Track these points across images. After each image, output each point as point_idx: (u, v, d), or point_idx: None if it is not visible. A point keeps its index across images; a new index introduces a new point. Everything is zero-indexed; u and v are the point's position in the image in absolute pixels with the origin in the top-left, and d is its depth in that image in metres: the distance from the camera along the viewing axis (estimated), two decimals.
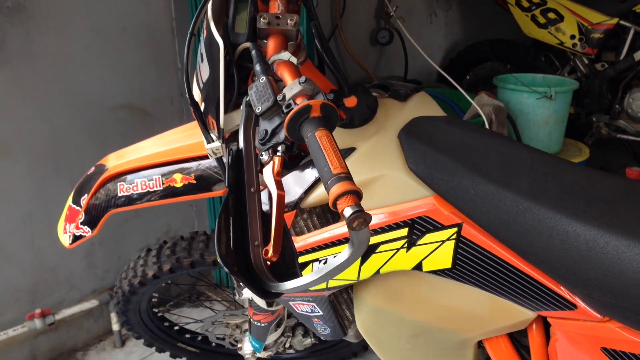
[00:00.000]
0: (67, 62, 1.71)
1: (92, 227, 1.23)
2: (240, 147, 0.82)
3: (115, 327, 1.96)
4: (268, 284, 0.75)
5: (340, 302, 1.19)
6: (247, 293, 1.35)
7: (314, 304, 1.15)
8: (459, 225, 0.89)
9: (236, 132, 0.98)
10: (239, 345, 1.56)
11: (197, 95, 1.04)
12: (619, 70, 2.71)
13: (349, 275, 1.01)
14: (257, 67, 0.81)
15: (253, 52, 0.85)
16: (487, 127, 1.96)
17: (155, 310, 1.63)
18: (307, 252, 1.03)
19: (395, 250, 0.95)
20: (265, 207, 0.80)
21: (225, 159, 0.98)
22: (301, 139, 0.71)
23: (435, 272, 0.94)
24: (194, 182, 1.15)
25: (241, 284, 1.36)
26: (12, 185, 1.68)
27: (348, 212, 0.60)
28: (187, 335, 1.70)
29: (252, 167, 0.82)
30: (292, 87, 0.73)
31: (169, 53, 1.94)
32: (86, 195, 1.23)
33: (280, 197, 0.72)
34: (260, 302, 1.32)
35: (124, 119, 1.88)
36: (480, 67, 3.15)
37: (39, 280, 1.81)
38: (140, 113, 1.92)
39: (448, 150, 0.92)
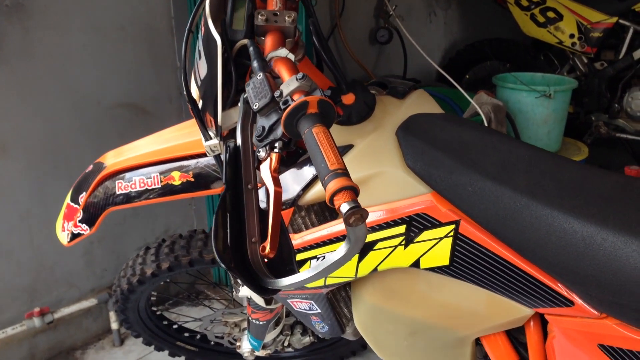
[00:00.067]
0: (66, 61, 1.71)
1: (91, 225, 1.23)
2: (237, 144, 0.83)
3: (114, 325, 1.96)
4: (265, 280, 0.75)
5: (338, 299, 1.19)
6: (244, 291, 1.35)
7: (312, 302, 1.15)
8: (457, 223, 0.89)
9: (234, 130, 0.98)
10: (238, 344, 1.56)
11: (194, 92, 1.04)
12: (618, 69, 2.70)
13: (346, 273, 1.01)
14: (255, 64, 0.81)
15: (250, 48, 0.85)
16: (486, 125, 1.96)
17: (154, 308, 1.63)
18: (305, 249, 1.03)
19: (393, 248, 0.95)
20: (262, 205, 0.81)
21: (223, 156, 0.98)
22: (298, 135, 0.71)
23: (432, 269, 0.94)
24: (192, 180, 1.14)
25: (238, 280, 1.36)
26: (10, 183, 1.68)
27: (345, 208, 0.60)
28: (186, 334, 1.70)
29: (250, 163, 0.82)
30: (289, 83, 0.73)
31: (167, 51, 1.94)
32: (84, 193, 1.23)
33: (277, 194, 0.73)
34: (259, 301, 1.32)
35: (122, 117, 1.88)
36: (480, 67, 3.15)
37: (37, 279, 1.81)
38: (139, 111, 1.92)
39: (446, 147, 0.92)
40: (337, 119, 0.98)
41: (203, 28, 0.95)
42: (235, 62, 0.93)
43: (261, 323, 1.38)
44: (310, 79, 0.73)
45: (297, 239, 1.04)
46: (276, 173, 0.74)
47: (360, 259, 0.98)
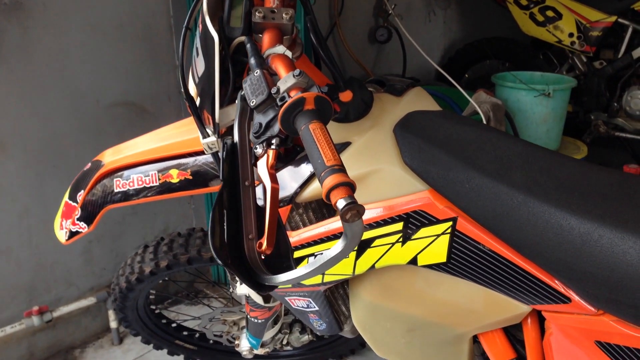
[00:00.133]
0: (65, 59, 1.71)
1: (89, 223, 1.23)
2: (234, 141, 0.83)
3: (113, 324, 1.96)
4: (262, 277, 0.75)
5: (336, 297, 1.19)
6: (242, 288, 1.35)
7: (309, 299, 1.15)
8: (454, 219, 0.89)
9: (232, 127, 0.98)
10: (237, 342, 1.56)
11: (192, 90, 1.04)
12: (617, 68, 2.70)
13: (344, 270, 1.01)
14: (252, 61, 0.81)
15: (248, 45, 0.85)
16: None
17: (153, 307, 1.63)
18: (303, 246, 1.03)
19: (391, 245, 0.95)
20: (260, 202, 0.81)
21: (220, 154, 0.98)
22: (295, 131, 0.71)
23: (430, 266, 0.94)
24: (190, 177, 1.14)
25: (236, 277, 1.36)
26: (9, 181, 1.68)
27: (341, 203, 0.60)
28: (185, 333, 1.70)
29: (247, 160, 0.82)
30: (286, 80, 0.73)
31: (166, 50, 1.94)
32: (82, 191, 1.23)
33: (274, 190, 0.73)
34: (257, 299, 1.32)
35: (121, 116, 1.88)
36: (479, 66, 3.15)
37: (36, 277, 1.81)
38: (137, 110, 1.92)
39: (443, 144, 0.92)
40: (334, 115, 0.98)
41: (201, 25, 0.95)
42: (233, 60, 0.93)
43: (260, 321, 1.38)
44: (307, 76, 0.74)
45: (294, 237, 1.04)
46: (273, 169, 0.74)
47: (357, 256, 0.99)
